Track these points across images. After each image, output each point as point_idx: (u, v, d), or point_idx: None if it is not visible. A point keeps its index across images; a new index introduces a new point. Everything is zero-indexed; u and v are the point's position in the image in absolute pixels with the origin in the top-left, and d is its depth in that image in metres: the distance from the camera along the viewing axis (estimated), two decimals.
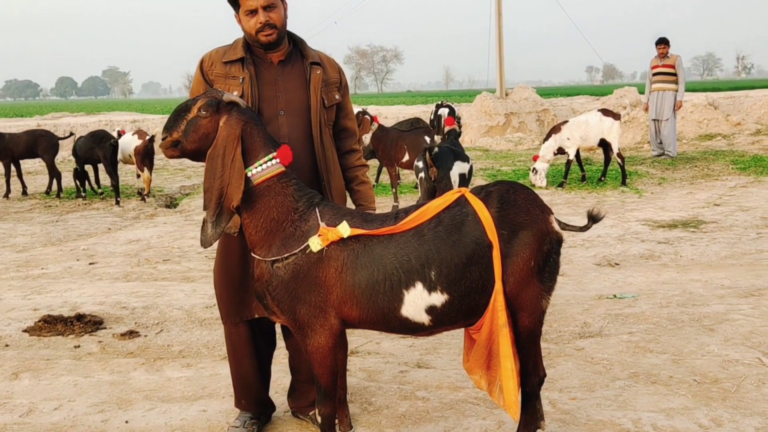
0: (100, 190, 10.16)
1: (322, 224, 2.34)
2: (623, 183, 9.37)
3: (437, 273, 2.31)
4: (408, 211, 2.43)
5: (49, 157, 10.18)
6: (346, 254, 2.32)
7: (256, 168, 2.38)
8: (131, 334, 4.24)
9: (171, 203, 10.08)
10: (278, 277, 2.34)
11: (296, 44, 2.77)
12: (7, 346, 4.08)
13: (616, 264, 5.56)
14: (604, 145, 9.55)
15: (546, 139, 9.68)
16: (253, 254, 2.42)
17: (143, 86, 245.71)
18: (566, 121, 9.88)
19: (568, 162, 9.58)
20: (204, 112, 2.38)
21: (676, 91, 11.13)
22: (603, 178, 9.68)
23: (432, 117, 6.32)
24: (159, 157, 15.96)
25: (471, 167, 5.64)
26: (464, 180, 5.50)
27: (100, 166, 9.94)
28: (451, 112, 8.77)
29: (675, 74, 11.13)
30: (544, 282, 2.43)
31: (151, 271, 5.78)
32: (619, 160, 9.44)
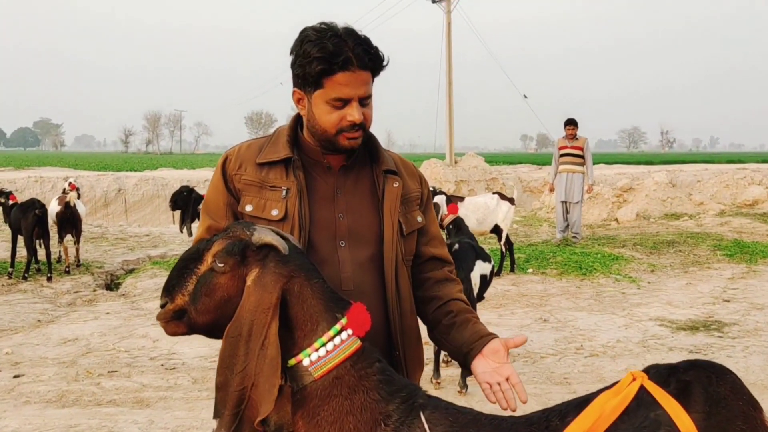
0: (36, 265, 8.74)
1: None
2: (512, 269, 8.65)
3: None
4: (563, 413, 1.53)
5: None
6: None
7: (315, 351, 1.46)
8: None
9: (112, 283, 8.84)
10: None
11: (364, 143, 1.89)
12: None
13: None
14: (497, 230, 8.77)
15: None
16: None
17: (76, 138, 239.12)
18: (462, 198, 8.89)
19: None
20: (221, 264, 1.47)
21: (584, 173, 10.75)
22: (515, 267, 8.74)
23: None
24: (95, 224, 14.63)
25: (492, 268, 4.83)
26: (485, 282, 4.67)
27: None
28: (448, 199, 7.78)
29: (583, 156, 10.70)
30: None
31: (94, 390, 4.61)
32: (504, 249, 8.70)
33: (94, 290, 8.09)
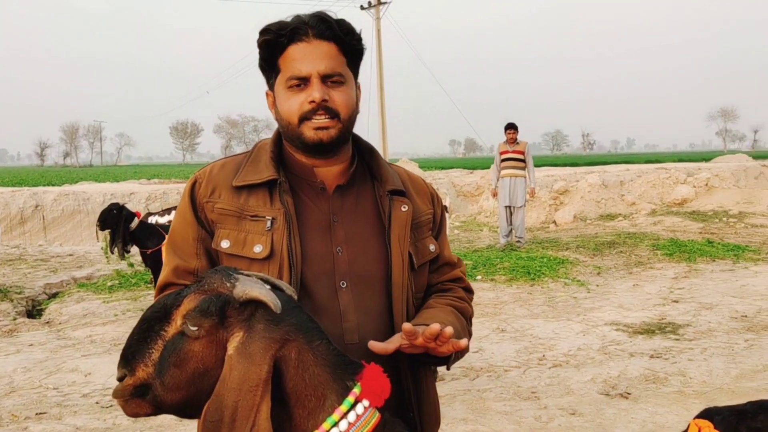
0: None
1: None
2: None
3: None
4: None
5: None
6: None
7: None
8: None
9: (34, 309, 8.13)
10: None
11: (362, 157, 1.59)
12: None
13: (628, 394, 4.65)
14: None
15: None
16: None
17: None
18: None
19: None
20: (194, 328, 1.15)
21: (526, 177, 10.78)
22: None
23: None
24: (12, 245, 13.65)
25: None
26: None
27: None
28: None
29: (525, 160, 10.70)
30: None
31: None
32: None
33: (14, 319, 7.39)
